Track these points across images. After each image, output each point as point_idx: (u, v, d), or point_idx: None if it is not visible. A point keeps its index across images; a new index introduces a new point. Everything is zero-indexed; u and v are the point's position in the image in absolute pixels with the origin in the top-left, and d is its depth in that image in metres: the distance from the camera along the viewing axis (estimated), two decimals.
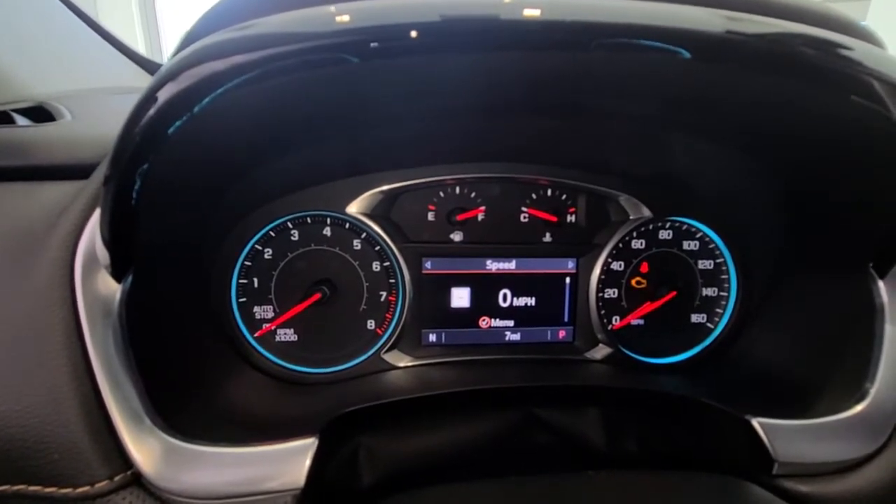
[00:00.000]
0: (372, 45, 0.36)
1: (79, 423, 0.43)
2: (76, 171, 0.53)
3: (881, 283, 0.55)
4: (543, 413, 0.62)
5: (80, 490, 0.43)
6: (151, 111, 0.37)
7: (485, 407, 0.63)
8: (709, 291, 0.79)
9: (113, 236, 0.43)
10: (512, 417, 0.62)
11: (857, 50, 0.40)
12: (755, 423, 0.55)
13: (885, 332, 0.55)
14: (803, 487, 0.54)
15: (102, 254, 0.44)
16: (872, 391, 0.54)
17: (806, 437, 0.55)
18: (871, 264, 0.56)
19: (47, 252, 0.46)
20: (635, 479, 0.53)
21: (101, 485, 0.43)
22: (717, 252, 0.78)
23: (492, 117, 0.60)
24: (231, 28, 0.37)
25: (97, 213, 0.44)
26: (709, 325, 0.79)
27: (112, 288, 0.45)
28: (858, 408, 0.54)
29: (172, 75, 0.36)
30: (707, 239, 0.78)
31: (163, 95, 0.36)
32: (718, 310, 0.79)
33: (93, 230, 0.46)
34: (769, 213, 0.70)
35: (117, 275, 0.45)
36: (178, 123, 0.38)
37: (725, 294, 0.79)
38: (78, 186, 0.50)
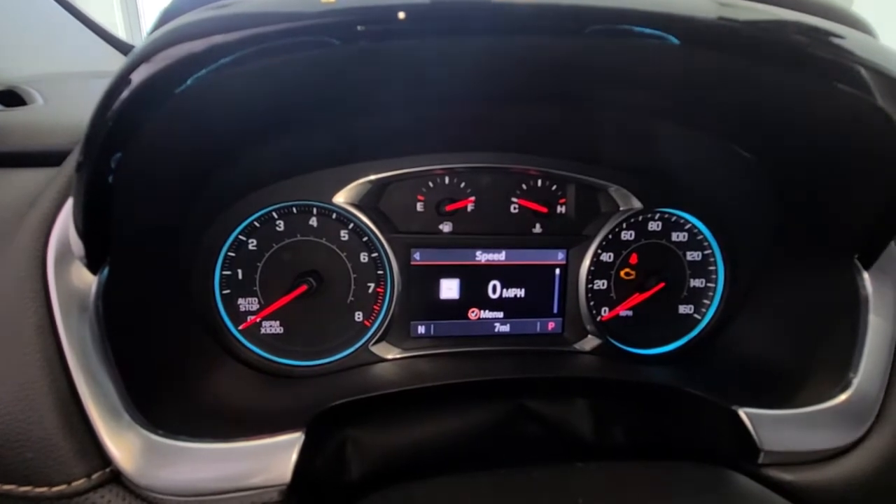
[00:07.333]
0: (358, 27, 0.35)
1: (53, 420, 0.41)
2: (48, 158, 0.51)
3: (866, 275, 0.56)
4: (532, 404, 0.62)
5: (56, 489, 0.42)
6: (125, 94, 0.35)
7: (474, 399, 0.63)
8: (696, 283, 0.79)
9: (87, 226, 0.42)
10: (501, 409, 0.62)
11: (848, 38, 0.39)
12: (741, 412, 0.55)
13: (869, 323, 0.56)
14: (788, 476, 0.55)
15: (76, 244, 0.43)
16: (856, 381, 0.55)
17: (791, 427, 0.55)
18: (856, 256, 0.57)
19: (17, 243, 0.44)
20: (623, 469, 0.54)
21: (79, 483, 0.42)
22: (706, 244, 0.79)
23: (483, 107, 0.59)
24: (210, 6, 0.35)
25: (70, 202, 0.42)
26: (696, 316, 0.80)
27: (87, 280, 0.44)
28: (842, 397, 0.55)
29: (147, 56, 0.34)
30: (696, 230, 0.78)
31: (137, 78, 0.35)
32: (706, 301, 0.79)
33: (66, 220, 0.44)
34: (757, 205, 0.70)
35: (93, 266, 0.44)
36: (153, 107, 0.37)
37: (713, 285, 0.79)
38: (50, 174, 0.48)
